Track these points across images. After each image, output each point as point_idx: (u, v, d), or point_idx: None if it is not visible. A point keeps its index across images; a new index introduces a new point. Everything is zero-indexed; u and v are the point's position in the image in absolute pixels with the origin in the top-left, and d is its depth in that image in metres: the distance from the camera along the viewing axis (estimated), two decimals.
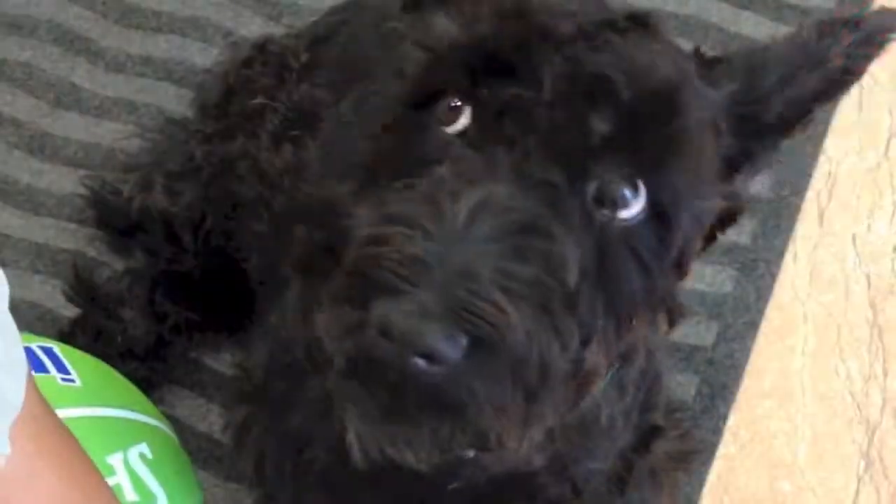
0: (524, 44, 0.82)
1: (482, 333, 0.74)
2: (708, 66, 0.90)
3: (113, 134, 1.78)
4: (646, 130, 0.81)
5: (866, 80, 1.86)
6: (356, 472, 1.12)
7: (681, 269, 0.88)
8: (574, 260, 0.79)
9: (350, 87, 1.30)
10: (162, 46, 1.90)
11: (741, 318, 1.66)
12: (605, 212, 0.82)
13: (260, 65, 1.48)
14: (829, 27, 0.89)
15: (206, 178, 1.46)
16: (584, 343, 0.81)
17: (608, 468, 1.17)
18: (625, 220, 0.82)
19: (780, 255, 1.72)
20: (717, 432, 1.57)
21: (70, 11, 1.94)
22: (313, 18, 1.61)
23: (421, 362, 0.74)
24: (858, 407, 1.60)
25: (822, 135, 1.83)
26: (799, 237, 1.75)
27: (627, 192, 0.82)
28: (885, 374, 1.63)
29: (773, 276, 1.70)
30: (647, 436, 1.21)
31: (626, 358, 0.94)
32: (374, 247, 0.77)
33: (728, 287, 1.68)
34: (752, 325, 1.66)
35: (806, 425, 1.59)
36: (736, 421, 1.59)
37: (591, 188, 0.82)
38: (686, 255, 0.87)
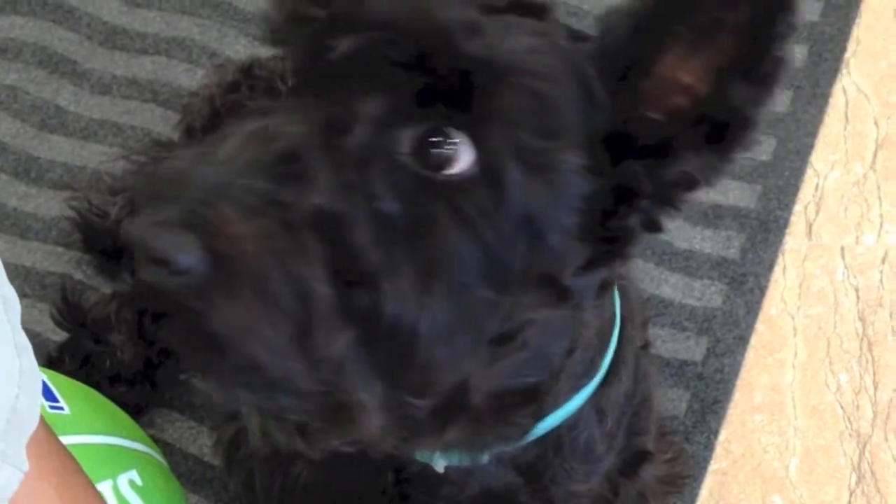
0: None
1: (211, 242, 0.75)
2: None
3: (99, 156, 1.78)
4: (446, 74, 0.80)
5: (852, 92, 1.88)
6: (341, 487, 1.13)
7: (540, 241, 0.84)
8: (323, 186, 0.78)
9: None
10: (147, 68, 1.90)
11: (731, 332, 1.66)
12: (426, 165, 0.81)
13: (247, 89, 1.48)
14: None
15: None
16: (365, 279, 0.79)
17: (594, 491, 1.16)
18: (448, 175, 0.81)
19: (769, 268, 1.72)
20: (709, 447, 1.57)
21: (55, 34, 1.94)
22: None
23: (164, 273, 0.75)
24: (849, 420, 1.61)
25: (808, 147, 1.83)
26: (787, 250, 1.75)
27: (443, 147, 0.81)
28: (876, 387, 1.63)
29: (762, 290, 1.70)
30: (636, 460, 1.20)
31: (505, 340, 0.89)
32: (147, 180, 0.82)
33: (717, 301, 1.68)
34: (742, 340, 1.66)
35: (797, 439, 1.59)
36: (727, 435, 1.59)
37: (406, 139, 0.81)
38: (541, 225, 0.83)
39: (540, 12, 0.87)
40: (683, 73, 0.85)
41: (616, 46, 0.85)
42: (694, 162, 0.85)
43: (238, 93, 1.48)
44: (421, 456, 1.03)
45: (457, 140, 0.80)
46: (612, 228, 0.88)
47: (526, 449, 1.04)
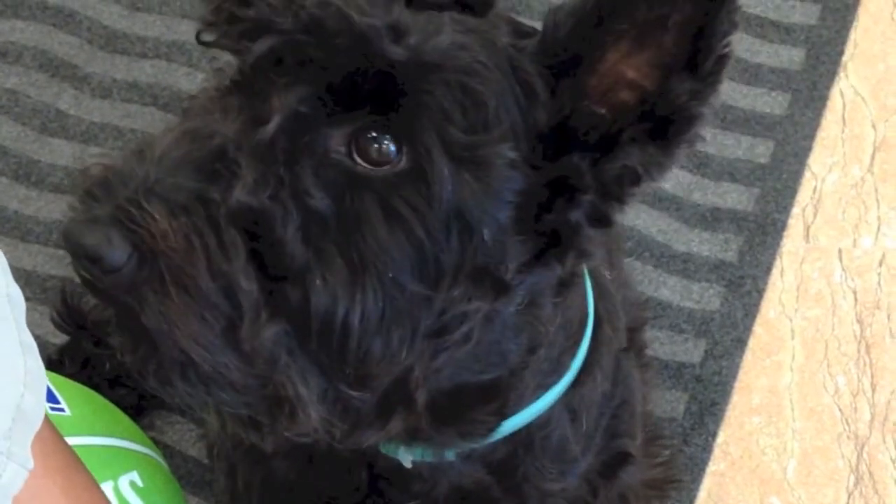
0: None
1: (137, 239, 0.78)
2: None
3: (99, 160, 1.78)
4: (365, 76, 0.81)
5: (849, 95, 1.89)
6: (317, 482, 1.14)
7: (472, 236, 0.84)
8: (246, 182, 0.80)
9: None
10: (147, 71, 1.91)
11: (729, 334, 1.66)
12: (361, 162, 0.82)
13: None
14: None
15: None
16: (293, 274, 0.81)
17: (571, 491, 1.17)
18: (380, 171, 0.82)
19: (767, 271, 1.73)
20: (707, 449, 1.58)
21: (55, 38, 1.94)
22: None
23: (96, 270, 0.78)
24: (847, 422, 1.61)
25: (806, 150, 1.84)
26: (785, 253, 1.75)
27: (375, 144, 0.82)
28: (874, 389, 1.63)
29: (759, 293, 1.71)
30: (616, 462, 1.21)
31: (443, 332, 0.89)
32: (87, 180, 0.83)
33: (715, 304, 1.69)
34: (740, 342, 1.66)
35: (795, 441, 1.60)
36: (725, 438, 1.60)
37: (337, 137, 0.83)
38: (473, 220, 0.84)
39: (482, 8, 0.88)
40: (628, 68, 0.86)
41: (558, 43, 0.86)
42: (637, 156, 0.86)
43: None
44: (386, 450, 1.04)
45: (386, 136, 0.82)
46: (549, 223, 0.88)
47: (495, 447, 1.05)
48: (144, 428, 1.52)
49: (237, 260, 0.79)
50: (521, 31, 0.89)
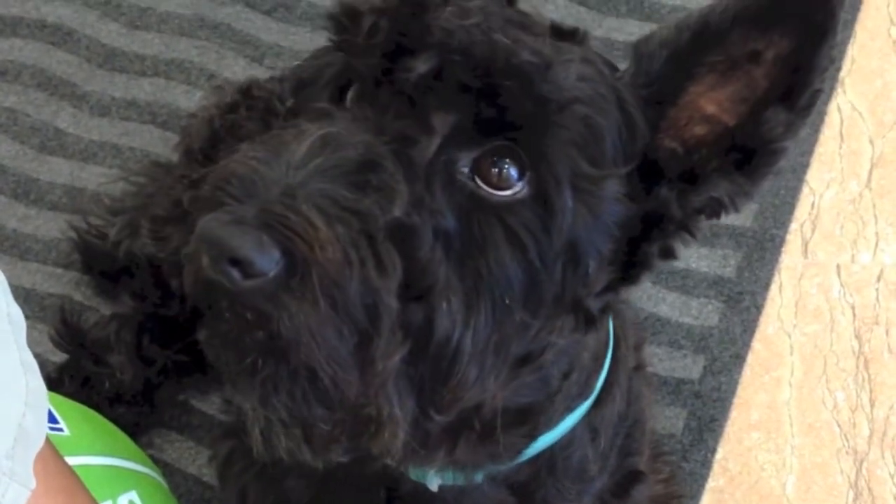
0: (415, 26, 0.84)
1: (292, 246, 0.75)
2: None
3: (98, 178, 1.79)
4: (515, 108, 0.82)
5: (847, 110, 1.89)
6: (333, 503, 1.14)
7: (578, 266, 0.86)
8: (403, 198, 0.79)
9: None
10: (146, 89, 1.91)
11: (727, 350, 1.67)
12: (482, 185, 0.82)
13: (245, 109, 1.49)
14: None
15: (193, 223, 1.47)
16: (425, 294, 0.80)
17: None
18: (502, 196, 0.82)
19: (766, 286, 1.73)
20: (706, 465, 1.58)
21: (54, 56, 1.95)
22: (296, 61, 1.62)
23: (236, 274, 0.75)
24: (846, 437, 1.61)
25: (804, 166, 1.84)
26: (784, 268, 1.76)
27: (508, 165, 0.82)
28: (872, 405, 1.63)
29: (758, 308, 1.71)
30: (628, 481, 1.21)
31: (526, 362, 0.91)
32: (216, 178, 0.80)
33: (714, 320, 1.69)
34: (739, 358, 1.66)
35: (794, 457, 1.60)
36: (724, 453, 1.60)
37: (464, 160, 0.83)
38: (582, 251, 0.85)
39: (580, 38, 0.89)
40: (708, 103, 0.87)
41: (651, 74, 0.87)
42: (724, 188, 0.87)
43: (236, 114, 1.49)
44: (415, 475, 1.03)
45: (506, 161, 0.82)
46: (642, 255, 0.90)
47: (520, 468, 1.05)
48: (144, 446, 1.52)
49: (392, 278, 0.78)
50: (607, 63, 0.90)
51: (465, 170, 0.83)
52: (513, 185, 0.82)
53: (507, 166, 0.82)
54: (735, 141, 0.87)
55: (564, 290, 0.86)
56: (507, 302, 0.83)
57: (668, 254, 0.92)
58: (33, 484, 0.91)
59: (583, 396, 1.04)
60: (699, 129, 0.88)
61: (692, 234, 0.91)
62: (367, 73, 0.85)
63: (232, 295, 0.77)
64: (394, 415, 0.82)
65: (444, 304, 0.80)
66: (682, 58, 0.87)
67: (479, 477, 1.04)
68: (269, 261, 0.74)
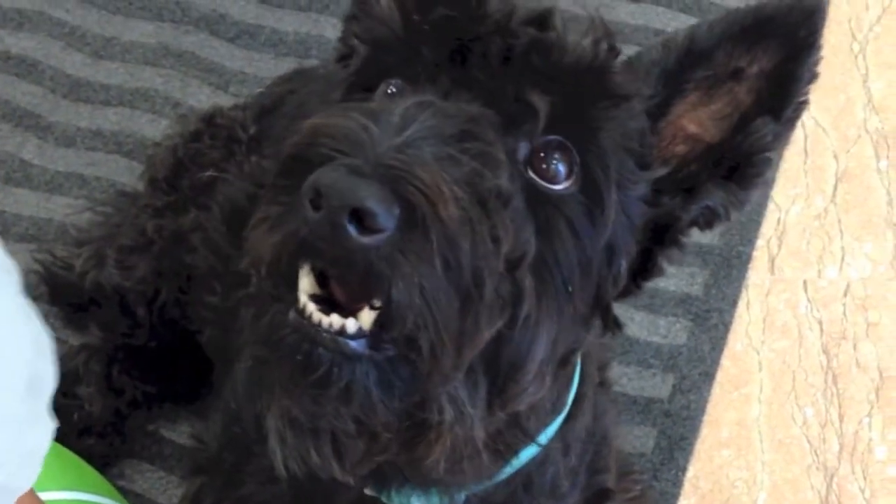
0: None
1: (416, 200, 0.73)
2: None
3: (64, 209, 1.78)
4: (577, 100, 0.84)
5: (811, 126, 1.90)
6: None
7: (612, 265, 0.87)
8: (506, 168, 0.80)
9: None
10: (111, 119, 1.91)
11: (696, 368, 1.67)
12: (535, 177, 0.84)
13: (209, 138, 1.49)
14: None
15: (158, 251, 1.47)
16: (517, 265, 0.80)
17: None
18: (554, 189, 0.83)
19: (733, 304, 1.74)
20: (677, 484, 1.58)
21: (18, 88, 1.94)
22: (260, 89, 1.62)
23: (352, 229, 0.72)
24: (816, 453, 1.62)
25: (769, 182, 1.85)
26: (751, 285, 1.76)
27: (558, 161, 0.83)
28: (841, 419, 1.64)
29: (726, 326, 1.71)
30: (597, 498, 1.21)
31: (565, 362, 0.92)
32: (310, 135, 0.78)
33: (682, 338, 1.69)
34: (708, 376, 1.67)
35: (765, 473, 1.60)
36: (695, 472, 1.60)
37: (523, 148, 0.84)
38: (616, 249, 0.87)
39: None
40: (690, 122, 0.90)
41: (651, 90, 0.90)
42: (719, 197, 0.90)
43: (200, 142, 1.49)
44: (398, 499, 1.02)
45: (556, 156, 0.84)
46: (651, 261, 0.93)
47: (497, 488, 1.05)
48: (114, 477, 1.51)
49: (503, 242, 0.77)
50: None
51: (521, 158, 0.84)
52: (560, 182, 0.84)
53: (556, 162, 0.83)
54: (723, 153, 0.90)
55: (601, 290, 0.88)
56: (570, 289, 0.84)
57: (656, 271, 0.94)
58: (52, 425, 0.90)
59: (555, 412, 1.04)
60: (680, 148, 0.91)
61: (680, 248, 0.93)
62: (431, 58, 0.85)
63: (342, 252, 0.74)
64: (464, 414, 0.81)
65: (528, 279, 0.81)
66: (670, 76, 0.89)
67: (460, 498, 1.03)
68: (390, 216, 0.72)
